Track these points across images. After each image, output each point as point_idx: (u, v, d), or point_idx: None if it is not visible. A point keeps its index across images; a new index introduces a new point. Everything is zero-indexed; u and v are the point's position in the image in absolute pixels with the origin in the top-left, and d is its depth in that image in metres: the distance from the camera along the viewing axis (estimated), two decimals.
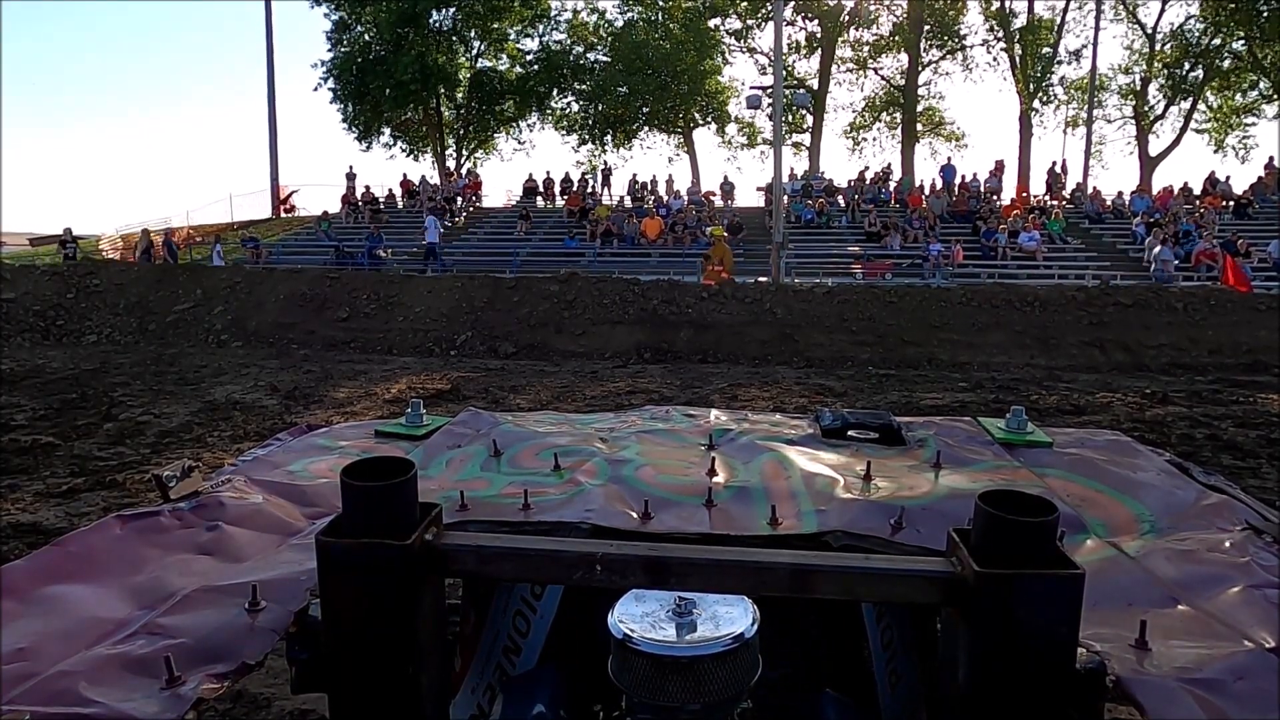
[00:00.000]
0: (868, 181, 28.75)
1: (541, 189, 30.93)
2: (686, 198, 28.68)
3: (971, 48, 37.47)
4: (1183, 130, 36.87)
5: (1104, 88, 37.38)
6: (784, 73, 25.28)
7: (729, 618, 1.31)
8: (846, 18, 37.53)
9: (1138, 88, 37.18)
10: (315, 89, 38.69)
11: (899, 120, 38.58)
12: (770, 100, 22.72)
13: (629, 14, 38.14)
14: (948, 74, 40.58)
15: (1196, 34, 35.07)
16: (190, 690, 0.98)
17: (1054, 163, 31.17)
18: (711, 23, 38.08)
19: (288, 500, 1.62)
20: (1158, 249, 20.46)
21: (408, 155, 39.93)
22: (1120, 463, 1.80)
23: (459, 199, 29.66)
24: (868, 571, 1.04)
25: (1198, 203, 25.89)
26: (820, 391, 10.37)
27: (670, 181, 30.30)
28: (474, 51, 38.46)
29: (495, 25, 37.46)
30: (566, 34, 38.58)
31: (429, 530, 1.06)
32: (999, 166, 28.98)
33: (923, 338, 13.66)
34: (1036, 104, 36.73)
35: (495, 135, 40.24)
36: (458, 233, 27.54)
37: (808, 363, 13.08)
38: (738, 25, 38.88)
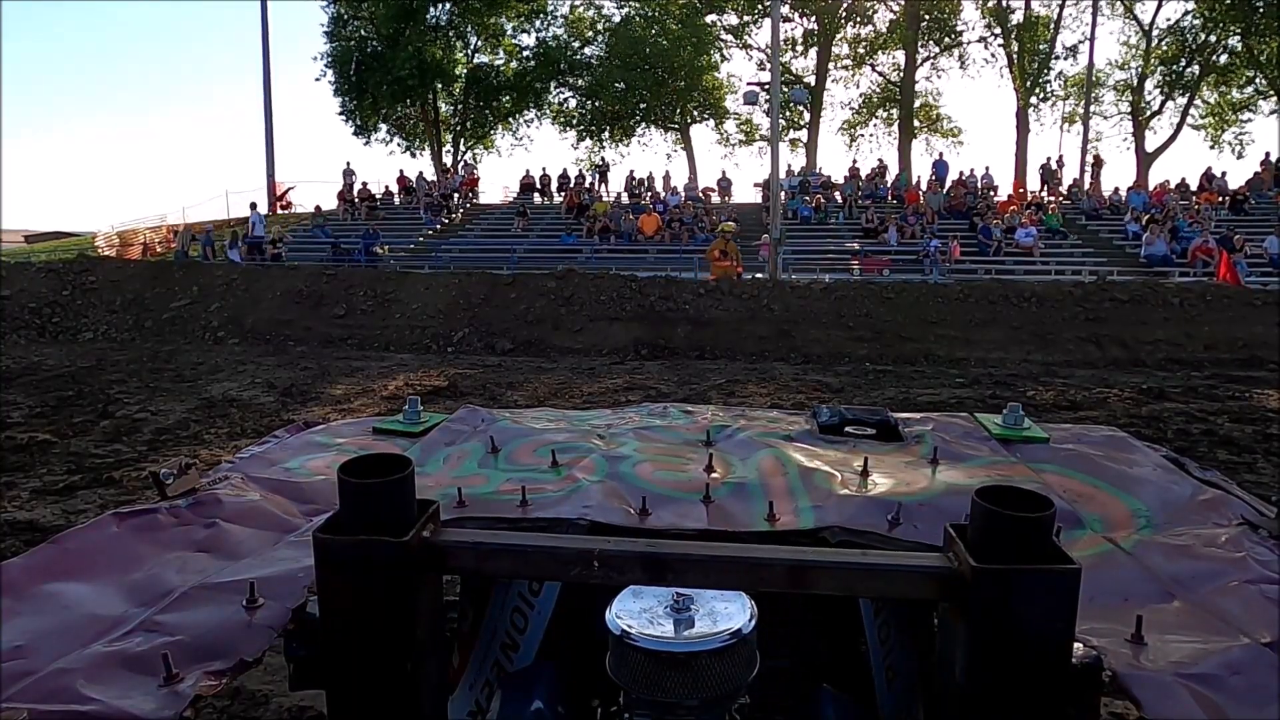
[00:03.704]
0: (862, 178, 28.75)
1: (539, 185, 30.89)
2: (684, 194, 28.67)
3: (968, 44, 37.52)
4: (1179, 126, 36.94)
5: (1101, 84, 37.44)
6: (781, 69, 25.25)
7: (727, 614, 1.31)
8: (844, 14, 37.52)
9: (1134, 84, 37.21)
10: (317, 79, 38.76)
11: (896, 117, 38.58)
12: (767, 96, 22.70)
13: (625, 9, 38.14)
14: (945, 71, 40.61)
15: (1193, 30, 35.11)
16: (188, 687, 0.98)
17: (1048, 159, 31.21)
18: (708, 18, 38.03)
19: (285, 497, 1.62)
20: (1155, 244, 20.55)
21: (405, 151, 39.96)
22: (1117, 458, 1.80)
23: (455, 195, 29.63)
24: (865, 567, 1.04)
25: (1194, 199, 25.92)
26: (817, 388, 10.38)
27: (667, 178, 30.31)
28: (471, 47, 38.40)
29: (492, 20, 37.39)
30: (563, 29, 38.57)
31: (426, 527, 1.06)
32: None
33: (920, 334, 13.67)
34: (1033, 100, 36.76)
35: (493, 131, 40.21)
36: (455, 229, 27.52)
37: (805, 359, 13.09)
38: (735, 21, 38.88)
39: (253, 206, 25.22)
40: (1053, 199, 27.31)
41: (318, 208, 29.34)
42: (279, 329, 14.99)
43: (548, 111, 39.56)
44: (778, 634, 1.63)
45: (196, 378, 10.71)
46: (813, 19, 37.52)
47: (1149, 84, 36.99)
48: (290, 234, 26.07)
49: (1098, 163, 31.28)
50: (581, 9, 38.59)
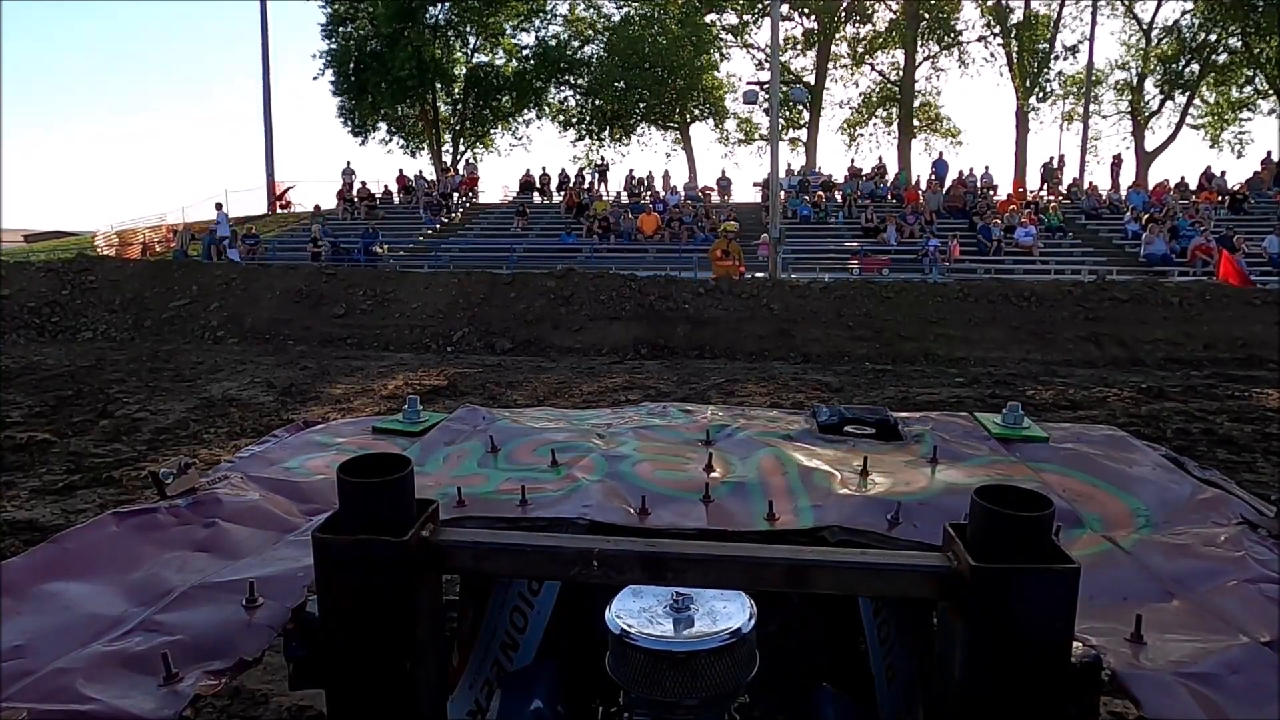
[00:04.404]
0: (862, 177, 28.76)
1: (538, 185, 30.89)
2: (683, 193, 28.68)
3: (968, 43, 37.53)
4: (1179, 125, 36.98)
5: (1100, 83, 37.44)
6: (780, 68, 25.23)
7: (726, 613, 1.31)
8: (843, 13, 37.52)
9: (1134, 83, 37.22)
10: (315, 78, 38.80)
11: (895, 116, 38.58)
12: (767, 96, 22.69)
13: (625, 9, 38.14)
14: (944, 70, 40.59)
15: (1192, 29, 35.12)
16: (188, 687, 0.98)
17: (1051, 157, 31.28)
18: (708, 18, 38.04)
19: (285, 497, 1.62)
20: (1154, 243, 20.57)
21: (404, 150, 39.97)
22: (1116, 458, 1.80)
23: (455, 195, 29.63)
24: (864, 566, 1.04)
25: (1193, 198, 25.93)
26: (817, 387, 10.38)
27: (667, 177, 30.33)
28: (470, 46, 38.41)
29: (491, 20, 37.37)
30: (563, 28, 38.59)
31: (426, 527, 1.06)
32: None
33: (919, 333, 13.67)
34: (1033, 100, 36.75)
35: (492, 131, 40.20)
36: (454, 229, 27.52)
37: (804, 358, 13.09)
38: (734, 21, 38.88)
39: (218, 206, 25.30)
40: (1053, 198, 27.33)
41: (317, 207, 29.37)
42: (278, 328, 14.99)
43: (547, 111, 39.57)
44: (777, 634, 1.63)
45: (196, 377, 10.70)
46: (812, 18, 37.52)
47: (1148, 83, 37.05)
48: (332, 235, 25.80)
49: (1117, 161, 31.39)
50: (581, 9, 38.63)
